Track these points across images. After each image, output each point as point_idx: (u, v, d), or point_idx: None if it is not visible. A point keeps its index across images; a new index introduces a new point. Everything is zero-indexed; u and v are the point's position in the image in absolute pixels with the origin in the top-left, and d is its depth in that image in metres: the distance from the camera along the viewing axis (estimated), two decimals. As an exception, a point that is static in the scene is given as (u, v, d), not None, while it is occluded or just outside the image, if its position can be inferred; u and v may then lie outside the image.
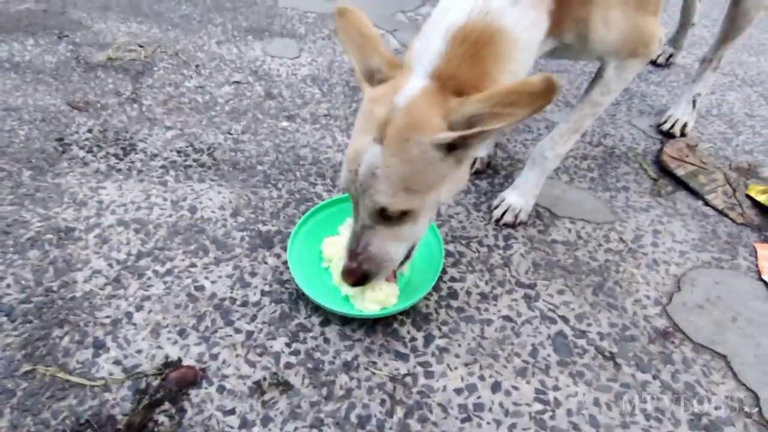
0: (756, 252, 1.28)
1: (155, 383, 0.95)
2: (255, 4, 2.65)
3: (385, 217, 0.88)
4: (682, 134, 1.71)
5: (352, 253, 0.93)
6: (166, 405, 0.92)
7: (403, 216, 0.89)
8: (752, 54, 2.31)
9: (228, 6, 2.60)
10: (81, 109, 1.71)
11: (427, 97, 0.83)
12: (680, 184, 1.51)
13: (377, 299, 1.03)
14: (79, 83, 1.86)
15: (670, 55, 2.15)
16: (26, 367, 0.96)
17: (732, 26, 1.52)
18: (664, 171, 1.55)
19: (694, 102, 1.71)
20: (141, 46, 2.13)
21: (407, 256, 1.00)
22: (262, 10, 2.56)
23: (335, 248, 1.14)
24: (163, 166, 1.48)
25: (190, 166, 1.49)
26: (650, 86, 2.02)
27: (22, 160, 1.47)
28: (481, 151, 1.49)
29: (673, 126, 1.72)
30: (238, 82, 1.92)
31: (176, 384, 0.95)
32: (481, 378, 0.99)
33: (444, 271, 1.19)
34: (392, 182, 0.84)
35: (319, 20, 2.47)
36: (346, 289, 1.07)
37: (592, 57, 1.12)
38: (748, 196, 1.45)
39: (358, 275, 0.94)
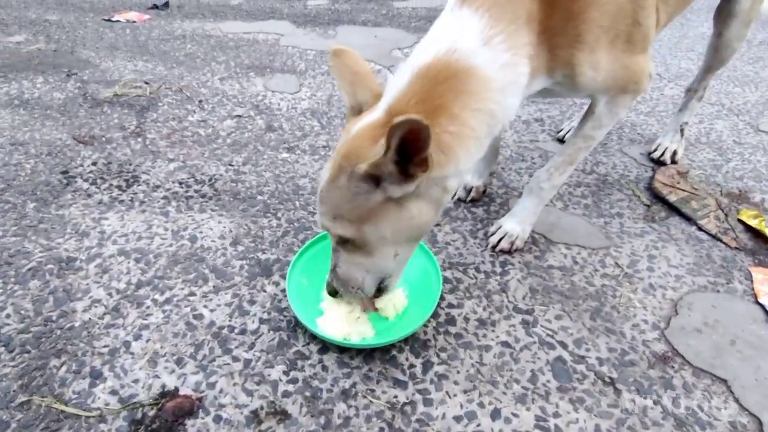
0: (751, 275, 1.29)
1: (151, 413, 0.94)
2: (257, 42, 2.75)
3: (341, 241, 0.94)
4: (673, 161, 1.75)
5: (332, 265, 1.01)
6: (162, 435, 0.90)
7: (352, 244, 0.92)
8: (737, 85, 2.39)
9: (231, 45, 2.70)
10: (86, 143, 1.76)
11: (370, 128, 0.85)
12: (673, 209, 1.53)
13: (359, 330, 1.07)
14: (85, 118, 1.91)
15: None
16: (22, 398, 0.95)
17: (715, 57, 1.57)
18: (657, 197, 1.58)
19: (681, 130, 1.76)
20: (146, 83, 2.21)
21: (380, 290, 1.02)
22: (263, 48, 2.67)
23: None
24: (165, 197, 1.51)
25: (192, 196, 1.52)
26: (639, 116, 2.08)
27: (27, 192, 1.50)
28: (476, 179, 1.52)
29: (663, 154, 1.76)
30: (239, 116, 1.98)
31: (172, 414, 0.94)
32: (481, 405, 0.98)
33: (442, 298, 1.20)
34: (327, 207, 0.89)
35: (318, 57, 2.56)
36: (325, 305, 1.12)
37: (582, 95, 1.15)
38: (740, 221, 1.47)
39: (330, 288, 1.03)
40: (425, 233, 0.99)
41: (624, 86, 1.10)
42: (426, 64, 0.87)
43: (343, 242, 0.94)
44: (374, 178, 0.82)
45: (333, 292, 1.04)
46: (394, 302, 1.12)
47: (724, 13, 1.46)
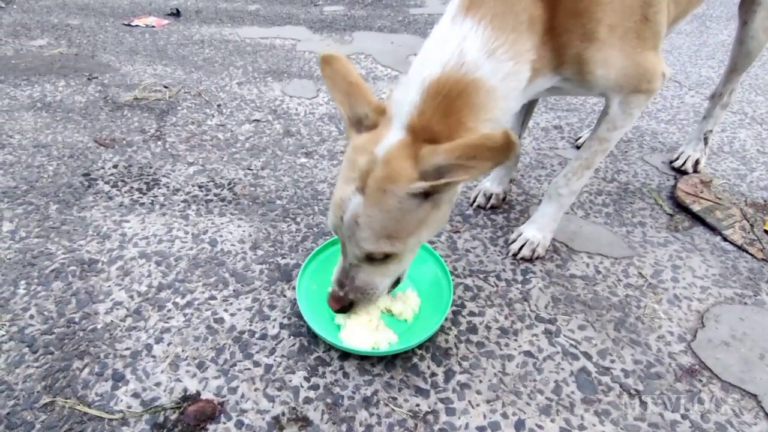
0: (779, 288, 1.26)
1: (173, 417, 0.94)
2: (274, 48, 2.78)
3: (370, 258, 0.94)
4: (695, 170, 1.72)
5: (340, 282, 1.00)
6: (184, 440, 0.90)
7: (388, 257, 0.95)
8: (760, 93, 2.35)
9: (249, 50, 2.73)
10: (107, 146, 1.78)
11: (401, 148, 0.87)
12: (697, 219, 1.50)
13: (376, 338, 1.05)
14: (106, 121, 1.94)
15: None
16: (46, 399, 0.96)
17: (741, 51, 1.52)
18: (680, 206, 1.56)
19: (705, 139, 1.73)
20: (166, 87, 2.23)
21: (396, 283, 1.06)
22: (281, 54, 2.68)
23: None
24: (185, 201, 1.52)
25: (211, 200, 1.53)
26: (660, 124, 2.05)
27: (50, 194, 1.52)
28: (496, 186, 1.51)
29: (685, 162, 1.73)
30: (258, 121, 1.99)
31: (194, 418, 0.94)
32: (504, 416, 0.96)
33: (462, 306, 1.19)
34: (374, 231, 0.89)
35: (335, 62, 2.57)
36: (340, 318, 1.10)
37: (594, 93, 1.14)
38: (767, 232, 1.44)
39: (344, 303, 1.01)
40: (445, 224, 1.03)
41: (637, 85, 1.09)
42: (436, 79, 0.88)
43: (372, 258, 0.94)
44: (424, 192, 0.86)
45: (345, 309, 1.03)
46: (410, 304, 1.13)
47: (748, 1, 1.43)
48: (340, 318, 1.09)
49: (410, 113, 0.88)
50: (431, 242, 1.37)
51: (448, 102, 0.87)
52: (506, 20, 0.90)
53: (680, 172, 1.73)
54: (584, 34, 0.97)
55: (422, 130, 0.87)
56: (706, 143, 1.73)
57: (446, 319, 1.14)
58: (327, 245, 1.27)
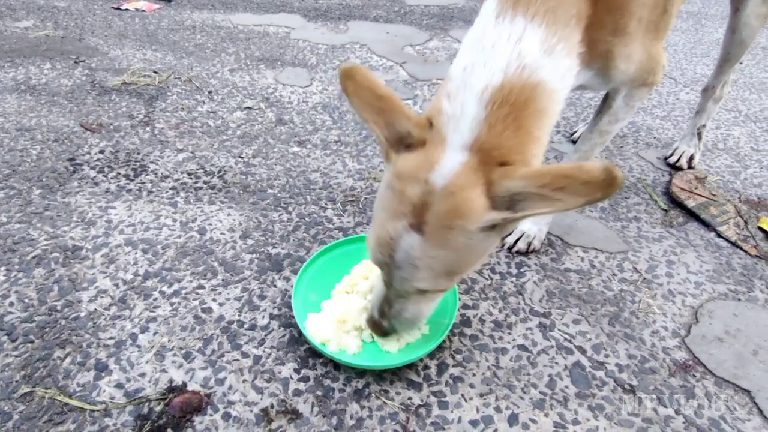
0: (772, 285, 1.26)
1: (158, 408, 0.91)
2: (267, 35, 2.72)
3: (422, 291, 0.86)
4: (689, 166, 1.72)
5: (381, 312, 0.93)
6: (169, 432, 0.87)
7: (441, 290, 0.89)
8: (754, 91, 2.36)
9: (241, 37, 2.67)
10: (94, 131, 1.73)
11: (467, 174, 0.74)
12: (691, 215, 1.50)
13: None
14: (93, 106, 1.88)
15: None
16: (25, 389, 0.92)
17: (733, 40, 1.50)
18: (675, 202, 1.55)
19: (699, 134, 1.73)
20: (155, 72, 2.17)
21: None
22: (274, 41, 2.63)
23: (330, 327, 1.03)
24: (173, 188, 1.48)
25: (201, 188, 1.49)
26: (656, 120, 2.05)
27: (33, 179, 1.47)
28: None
29: (679, 159, 1.72)
30: (249, 108, 1.95)
31: (180, 410, 0.91)
32: (497, 409, 0.95)
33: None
34: (434, 271, 0.79)
35: (329, 51, 2.53)
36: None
37: (609, 87, 1.12)
38: (761, 229, 1.44)
39: (386, 330, 0.95)
40: None
41: (645, 77, 1.08)
42: (499, 87, 0.76)
43: (423, 292, 0.87)
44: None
45: (387, 334, 0.98)
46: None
47: None
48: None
49: (474, 129, 0.75)
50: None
51: (516, 112, 0.76)
52: (559, 15, 0.82)
53: (675, 168, 1.72)
54: (616, 29, 0.94)
55: (493, 149, 0.75)
56: (699, 138, 1.73)
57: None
58: (318, 256, 1.18)
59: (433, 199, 0.74)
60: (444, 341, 1.06)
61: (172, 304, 1.11)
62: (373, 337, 1.02)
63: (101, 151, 1.62)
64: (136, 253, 1.23)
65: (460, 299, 1.16)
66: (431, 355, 1.03)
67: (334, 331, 1.01)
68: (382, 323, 0.94)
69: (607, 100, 1.17)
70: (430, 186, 0.74)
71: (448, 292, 1.11)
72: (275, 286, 1.17)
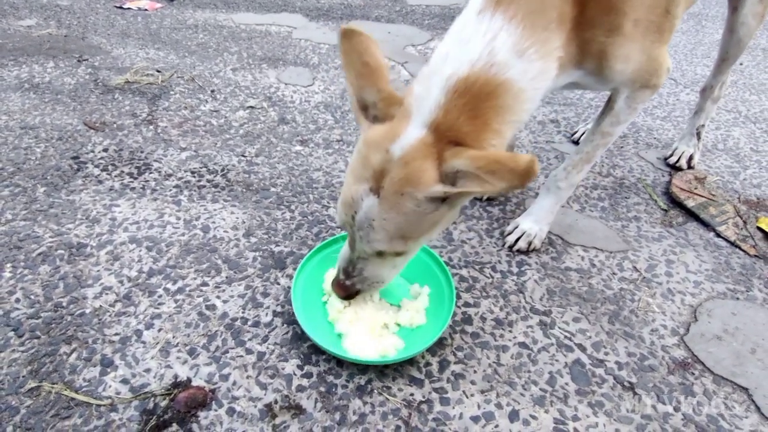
0: (771, 284, 1.27)
1: (163, 404, 0.92)
2: (269, 34, 2.73)
3: (380, 254, 0.93)
4: (689, 166, 1.73)
5: (346, 272, 0.98)
6: (174, 427, 0.89)
7: (398, 253, 0.94)
8: (754, 93, 2.37)
9: (243, 36, 2.68)
10: (97, 129, 1.74)
11: (422, 147, 0.81)
12: (691, 215, 1.51)
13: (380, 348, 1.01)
14: (96, 104, 1.89)
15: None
16: (31, 384, 0.93)
17: (731, 39, 1.51)
18: (674, 202, 1.56)
19: (698, 134, 1.74)
20: (158, 71, 2.19)
21: None
22: (276, 41, 2.64)
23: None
24: (176, 186, 1.49)
25: (204, 186, 1.50)
26: (656, 120, 2.06)
27: (38, 176, 1.48)
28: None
29: (679, 159, 1.73)
30: (252, 107, 1.96)
31: (185, 405, 0.92)
32: (498, 406, 0.96)
33: (457, 296, 1.18)
34: (388, 232, 0.87)
35: (331, 51, 2.54)
36: (341, 326, 1.04)
37: (607, 87, 1.13)
38: (760, 229, 1.45)
39: (350, 291, 1.00)
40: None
41: (647, 80, 1.09)
42: (464, 78, 0.82)
43: (381, 254, 0.93)
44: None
45: (350, 296, 1.02)
46: (417, 309, 1.09)
47: None
48: (341, 327, 1.04)
49: (434, 110, 0.82)
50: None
51: (476, 102, 0.83)
52: (538, 18, 0.86)
53: (675, 168, 1.73)
54: (610, 30, 0.95)
55: (447, 130, 0.82)
56: (698, 138, 1.74)
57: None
58: (317, 250, 1.20)
59: (391, 166, 0.82)
60: (445, 338, 1.08)
61: (176, 301, 1.12)
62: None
63: (105, 150, 1.63)
64: (140, 251, 1.25)
65: (459, 296, 1.18)
66: (433, 352, 1.05)
67: (378, 340, 1.01)
68: (346, 283, 0.99)
69: (609, 102, 1.18)
70: (390, 155, 0.82)
71: (445, 286, 1.13)
72: (278, 284, 1.18)
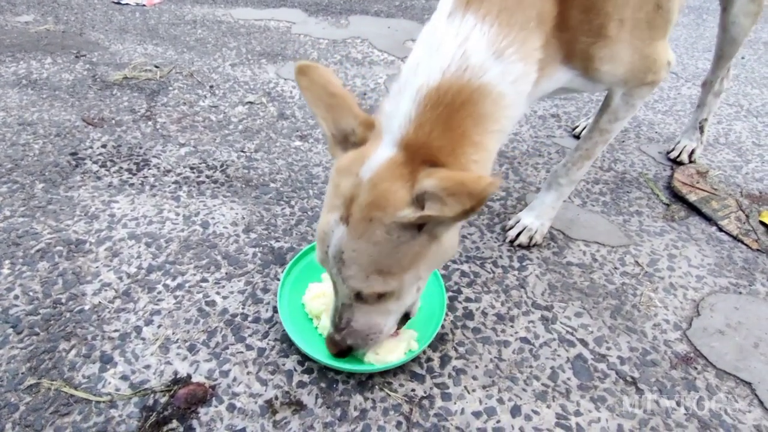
0: (774, 278, 1.27)
1: (163, 400, 0.92)
2: (268, 30, 2.72)
3: (362, 298, 0.83)
4: (690, 160, 1.72)
5: (335, 325, 0.90)
6: (174, 423, 0.88)
7: (382, 296, 0.83)
8: (756, 86, 2.35)
9: (242, 31, 2.66)
10: (96, 125, 1.73)
11: (392, 168, 0.74)
12: (693, 209, 1.50)
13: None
14: (94, 100, 1.88)
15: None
16: (31, 381, 0.93)
17: (725, 38, 1.50)
18: (676, 196, 1.55)
19: (701, 128, 1.73)
20: (157, 67, 2.17)
21: (406, 317, 0.95)
22: (275, 36, 2.63)
23: (320, 301, 1.05)
24: (176, 182, 1.48)
25: (203, 182, 1.49)
26: (657, 115, 2.05)
27: (36, 173, 1.47)
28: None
29: (680, 153, 1.73)
30: (251, 103, 1.95)
31: (185, 401, 0.92)
32: (500, 401, 0.95)
33: (459, 291, 1.17)
34: (362, 267, 0.77)
35: (331, 46, 2.53)
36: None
37: (600, 88, 1.10)
38: (762, 223, 1.45)
39: (342, 347, 0.90)
40: (452, 257, 0.93)
41: (642, 78, 1.05)
42: (435, 87, 0.75)
43: (364, 298, 0.83)
44: (419, 223, 0.74)
45: (344, 354, 0.91)
46: (402, 340, 1.01)
47: None
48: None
49: (404, 127, 0.75)
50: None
51: (450, 113, 0.75)
52: (514, 16, 0.79)
53: (676, 163, 1.72)
54: (591, 30, 0.90)
55: (420, 147, 0.74)
56: (702, 132, 1.73)
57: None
58: (302, 255, 1.16)
59: (360, 190, 0.75)
60: (446, 333, 1.07)
61: (176, 297, 1.11)
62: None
63: (103, 146, 1.62)
64: (139, 247, 1.24)
65: (460, 291, 1.17)
66: (434, 348, 1.04)
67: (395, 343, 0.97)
68: (335, 338, 0.89)
69: (607, 99, 1.16)
70: (359, 178, 0.75)
71: (435, 288, 1.09)
72: (278, 280, 1.18)
